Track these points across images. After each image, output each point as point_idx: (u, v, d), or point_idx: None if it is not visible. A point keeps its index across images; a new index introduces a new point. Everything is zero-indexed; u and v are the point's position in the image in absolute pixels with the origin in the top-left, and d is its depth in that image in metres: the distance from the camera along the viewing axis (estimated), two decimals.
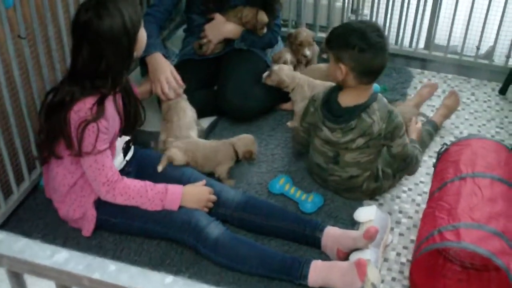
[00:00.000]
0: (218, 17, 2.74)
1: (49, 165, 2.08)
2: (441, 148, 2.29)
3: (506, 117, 2.84)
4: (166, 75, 2.47)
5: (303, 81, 2.65)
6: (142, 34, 2.03)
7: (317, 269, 1.94)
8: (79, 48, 1.90)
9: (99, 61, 1.90)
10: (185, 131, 2.40)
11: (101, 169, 1.96)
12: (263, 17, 2.73)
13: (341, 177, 2.30)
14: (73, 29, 1.94)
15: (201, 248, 2.02)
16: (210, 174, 2.34)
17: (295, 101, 2.67)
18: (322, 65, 2.86)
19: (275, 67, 2.66)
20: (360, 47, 2.07)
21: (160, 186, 2.05)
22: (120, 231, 2.12)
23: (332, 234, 2.08)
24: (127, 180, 2.04)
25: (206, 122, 2.68)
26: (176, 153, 2.25)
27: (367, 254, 2.01)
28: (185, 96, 2.53)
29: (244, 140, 2.38)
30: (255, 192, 2.37)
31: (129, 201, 2.02)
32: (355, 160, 2.24)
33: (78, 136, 1.89)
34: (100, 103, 1.91)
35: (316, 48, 3.03)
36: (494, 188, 2.00)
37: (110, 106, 1.98)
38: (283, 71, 2.64)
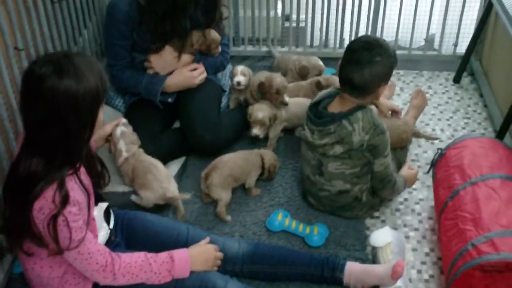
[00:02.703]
0: (167, 48, 2.48)
1: (27, 260, 1.74)
2: (436, 153, 2.22)
3: (469, 106, 2.84)
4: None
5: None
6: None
7: None
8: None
9: (55, 129, 1.56)
10: (166, 183, 2.19)
11: (88, 258, 1.67)
12: (215, 35, 2.53)
13: (330, 192, 2.18)
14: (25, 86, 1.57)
15: None
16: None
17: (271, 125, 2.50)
18: (303, 83, 2.71)
19: (259, 115, 2.46)
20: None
21: (164, 255, 1.80)
22: None
23: (354, 273, 1.97)
24: (124, 256, 1.76)
25: (174, 166, 2.43)
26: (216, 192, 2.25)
27: (398, 282, 1.91)
28: (140, 150, 2.28)
29: (270, 154, 2.42)
30: (253, 234, 2.17)
31: (134, 280, 1.75)
32: (338, 170, 2.12)
33: (52, 235, 1.59)
34: (61, 188, 1.58)
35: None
36: (507, 188, 1.95)
37: (73, 182, 1.66)
38: (263, 112, 2.47)
